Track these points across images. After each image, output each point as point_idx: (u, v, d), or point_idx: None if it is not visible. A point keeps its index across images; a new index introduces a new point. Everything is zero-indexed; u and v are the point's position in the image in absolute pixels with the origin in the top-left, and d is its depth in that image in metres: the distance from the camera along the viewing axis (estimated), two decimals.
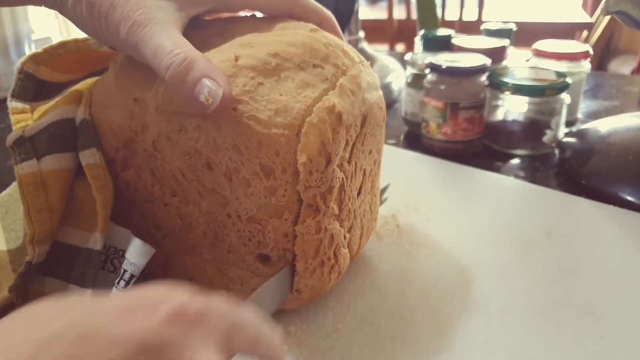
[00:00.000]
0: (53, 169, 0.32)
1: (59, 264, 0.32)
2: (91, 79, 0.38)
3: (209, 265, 0.33)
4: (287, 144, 0.28)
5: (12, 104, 0.36)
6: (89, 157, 0.33)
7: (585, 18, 2.03)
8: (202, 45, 0.32)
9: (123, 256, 0.31)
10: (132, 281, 0.30)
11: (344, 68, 0.31)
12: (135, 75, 0.33)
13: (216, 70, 0.28)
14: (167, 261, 0.35)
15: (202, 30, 0.34)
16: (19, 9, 0.79)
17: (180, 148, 0.31)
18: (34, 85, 0.37)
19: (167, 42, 0.28)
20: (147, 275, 0.31)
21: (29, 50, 0.82)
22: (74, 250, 0.32)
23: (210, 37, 0.33)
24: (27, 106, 0.37)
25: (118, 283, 0.30)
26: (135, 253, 0.30)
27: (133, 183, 0.34)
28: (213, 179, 0.31)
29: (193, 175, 0.31)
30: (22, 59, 0.37)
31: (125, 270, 0.30)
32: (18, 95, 0.37)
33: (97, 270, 0.31)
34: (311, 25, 0.33)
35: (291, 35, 0.32)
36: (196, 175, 0.31)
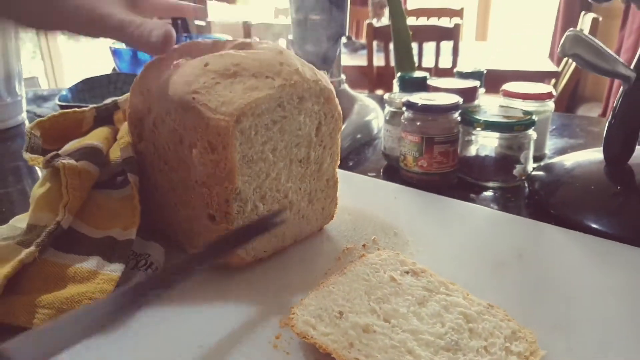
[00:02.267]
0: (86, 168, 0.43)
1: (75, 244, 0.40)
2: (100, 129, 0.51)
3: (183, 220, 0.43)
4: (226, 127, 0.36)
5: (27, 155, 0.46)
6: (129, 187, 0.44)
7: (552, 67, 2.15)
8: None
9: (152, 265, 0.40)
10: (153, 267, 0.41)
11: (292, 82, 0.39)
12: (149, 76, 0.43)
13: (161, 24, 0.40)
14: (162, 213, 0.45)
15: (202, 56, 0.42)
16: (12, 49, 0.81)
17: (166, 127, 0.40)
18: (40, 144, 0.49)
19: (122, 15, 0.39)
20: (148, 226, 0.43)
21: (19, 86, 0.84)
22: (90, 239, 0.41)
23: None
24: (40, 157, 0.45)
25: (146, 270, 0.40)
26: (159, 256, 0.42)
27: (144, 152, 0.45)
28: (183, 152, 0.40)
29: (174, 148, 0.41)
30: (31, 124, 0.50)
31: (152, 263, 0.41)
32: (31, 150, 0.47)
33: (114, 250, 0.39)
34: (281, 49, 0.41)
35: (258, 54, 0.40)
36: (175, 148, 0.40)
